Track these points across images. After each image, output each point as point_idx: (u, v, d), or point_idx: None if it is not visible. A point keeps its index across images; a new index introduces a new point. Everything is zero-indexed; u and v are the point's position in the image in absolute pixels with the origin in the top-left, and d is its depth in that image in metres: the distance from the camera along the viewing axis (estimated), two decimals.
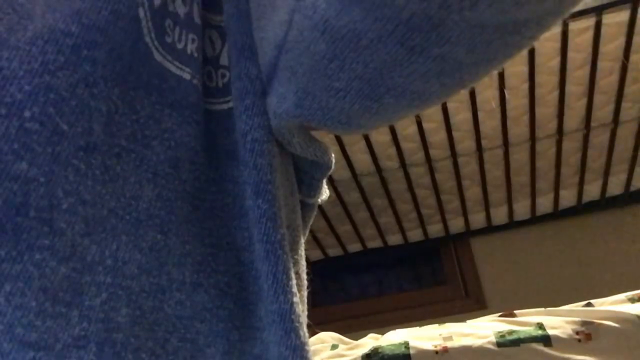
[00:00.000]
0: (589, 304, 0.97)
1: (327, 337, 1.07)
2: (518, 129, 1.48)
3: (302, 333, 0.25)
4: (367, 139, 1.45)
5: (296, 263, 0.28)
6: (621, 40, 1.29)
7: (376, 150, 1.51)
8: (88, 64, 0.22)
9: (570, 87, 1.38)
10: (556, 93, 1.39)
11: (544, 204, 1.77)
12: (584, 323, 0.84)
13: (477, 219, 1.82)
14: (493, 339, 0.85)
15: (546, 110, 1.44)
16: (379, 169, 1.57)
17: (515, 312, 0.96)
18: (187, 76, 0.27)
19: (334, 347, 1.02)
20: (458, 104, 1.39)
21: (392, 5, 0.19)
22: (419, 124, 1.42)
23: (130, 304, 0.23)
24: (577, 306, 0.97)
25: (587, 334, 0.82)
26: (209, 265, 0.26)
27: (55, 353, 0.20)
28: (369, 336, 1.04)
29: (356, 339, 1.04)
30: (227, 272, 0.27)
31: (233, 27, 0.29)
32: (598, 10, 1.22)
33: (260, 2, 0.28)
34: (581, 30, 1.27)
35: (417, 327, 1.00)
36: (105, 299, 0.22)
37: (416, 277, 2.01)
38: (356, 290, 2.03)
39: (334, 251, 1.95)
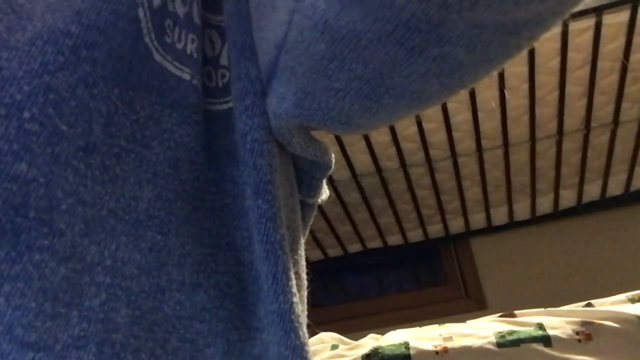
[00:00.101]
0: (589, 304, 0.97)
1: (327, 338, 1.07)
2: (518, 129, 1.48)
3: (301, 333, 0.25)
4: (367, 139, 1.45)
5: (296, 263, 0.28)
6: (621, 41, 1.29)
7: (376, 151, 1.51)
8: (88, 65, 0.22)
9: (570, 88, 1.38)
10: (556, 93, 1.39)
11: (544, 204, 1.77)
12: (584, 323, 0.84)
13: (477, 219, 1.82)
14: (493, 339, 0.85)
15: (546, 111, 1.44)
16: (379, 169, 1.57)
17: (516, 312, 0.96)
18: (186, 76, 0.27)
19: (334, 347, 1.02)
20: (458, 104, 1.39)
21: (392, 5, 0.19)
22: (419, 124, 1.42)
23: (130, 305, 0.23)
24: (577, 306, 0.97)
25: (587, 334, 0.82)
26: (209, 266, 0.26)
27: (55, 353, 0.20)
28: (369, 336, 1.04)
29: (356, 339, 1.04)
30: (227, 272, 0.27)
31: (233, 27, 0.29)
32: (598, 11, 1.22)
33: (260, 2, 0.28)
34: (581, 30, 1.27)
35: (417, 328, 1.00)
36: (105, 300, 0.22)
37: (416, 278, 2.01)
38: (356, 290, 2.03)
39: (334, 251, 1.95)
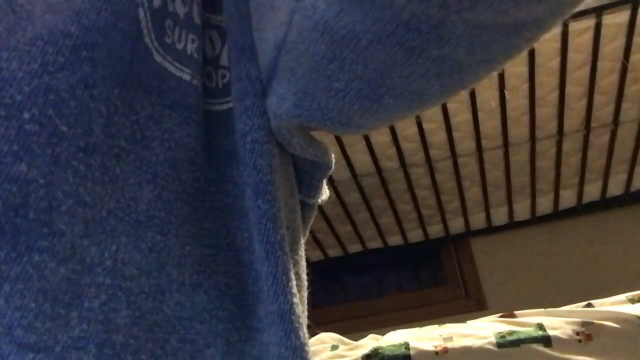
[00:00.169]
0: (589, 305, 0.97)
1: (327, 338, 1.07)
2: (518, 130, 1.48)
3: (302, 334, 0.25)
4: (367, 139, 1.45)
5: (296, 264, 0.28)
6: (621, 41, 1.29)
7: (376, 151, 1.51)
8: (88, 65, 0.22)
9: (570, 88, 1.38)
10: (556, 93, 1.39)
11: (544, 205, 1.77)
12: (584, 323, 0.84)
13: (477, 220, 1.82)
14: (493, 339, 0.85)
15: (546, 111, 1.44)
16: (379, 170, 1.57)
17: (516, 312, 0.96)
18: (186, 77, 0.27)
19: (334, 347, 1.01)
20: (458, 105, 1.39)
21: (392, 6, 0.19)
22: (419, 125, 1.42)
23: (130, 305, 0.23)
24: (578, 307, 0.97)
25: (588, 334, 0.82)
26: (209, 266, 0.26)
27: (55, 355, 0.20)
28: (369, 337, 1.04)
29: (356, 340, 1.04)
30: (227, 272, 0.27)
31: (233, 27, 0.29)
32: (598, 11, 1.22)
33: (260, 3, 0.28)
34: (581, 30, 1.27)
35: (417, 328, 1.00)
36: (105, 300, 0.22)
37: (416, 278, 2.01)
38: (356, 290, 2.03)
39: (334, 252, 1.95)
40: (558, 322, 0.86)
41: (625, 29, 1.26)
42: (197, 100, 0.28)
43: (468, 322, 0.98)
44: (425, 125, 1.44)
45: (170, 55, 0.26)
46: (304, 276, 0.30)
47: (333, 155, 0.33)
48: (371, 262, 2.01)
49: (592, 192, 1.73)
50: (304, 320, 0.27)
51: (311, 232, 1.78)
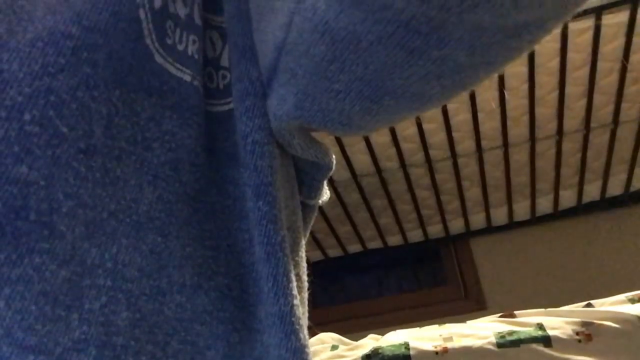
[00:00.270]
0: (589, 305, 0.97)
1: (327, 338, 1.07)
2: (518, 130, 1.48)
3: (302, 335, 0.25)
4: (367, 139, 1.45)
5: (297, 265, 0.28)
6: (621, 41, 1.29)
7: (376, 151, 1.50)
8: (88, 66, 0.22)
9: (570, 88, 1.38)
10: (556, 93, 1.39)
11: (544, 205, 1.77)
12: (584, 324, 0.84)
13: (477, 220, 1.82)
14: (493, 339, 0.85)
15: (546, 111, 1.44)
16: (378, 170, 1.57)
17: (515, 312, 0.96)
18: (187, 78, 0.27)
19: (334, 347, 1.01)
20: (458, 105, 1.39)
21: (392, 7, 0.19)
22: (419, 125, 1.42)
23: (130, 307, 0.22)
24: (577, 307, 0.97)
25: (588, 334, 0.82)
26: (210, 268, 0.26)
27: (55, 357, 0.20)
28: (369, 337, 1.04)
29: (356, 340, 1.04)
30: (228, 274, 0.27)
31: (234, 28, 0.29)
32: (598, 11, 1.22)
33: (260, 4, 0.28)
34: (581, 30, 1.27)
35: (417, 328, 1.00)
36: (105, 302, 0.22)
37: (416, 278, 2.01)
38: (356, 291, 2.03)
39: (334, 252, 1.95)
40: (558, 322, 0.86)
41: (625, 28, 1.26)
42: (198, 102, 0.28)
43: (468, 322, 0.98)
44: (425, 126, 1.44)
45: (171, 57, 0.26)
46: (305, 277, 0.30)
47: (334, 156, 0.33)
48: (371, 262, 2.01)
49: (591, 192, 1.73)
50: (304, 321, 0.27)
51: (311, 232, 1.78)
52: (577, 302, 0.99)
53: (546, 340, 0.82)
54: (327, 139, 1.28)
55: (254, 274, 0.27)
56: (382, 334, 1.01)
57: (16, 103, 0.20)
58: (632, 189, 1.70)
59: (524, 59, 1.28)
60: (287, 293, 0.25)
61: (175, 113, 0.26)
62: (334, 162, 0.33)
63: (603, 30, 1.26)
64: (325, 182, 0.34)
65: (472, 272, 1.84)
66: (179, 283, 0.25)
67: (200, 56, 0.28)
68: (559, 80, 1.35)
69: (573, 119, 1.47)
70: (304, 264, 0.30)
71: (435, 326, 0.99)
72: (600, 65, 1.32)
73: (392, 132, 1.44)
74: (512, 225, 1.83)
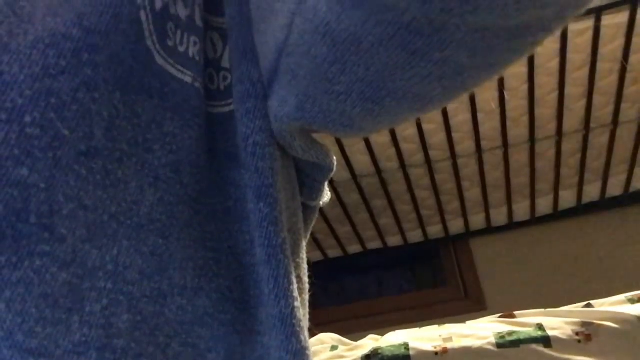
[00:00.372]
0: (588, 305, 0.97)
1: (326, 338, 1.07)
2: (518, 130, 1.48)
3: (303, 337, 0.25)
4: (366, 140, 1.45)
5: (297, 267, 0.28)
6: (620, 41, 1.29)
7: (376, 152, 1.50)
8: (89, 68, 0.22)
9: (569, 88, 1.38)
10: (556, 94, 1.39)
11: (544, 205, 1.77)
12: (584, 324, 0.84)
13: (477, 220, 1.82)
14: (493, 340, 0.85)
15: (546, 112, 1.44)
16: (378, 170, 1.57)
17: (515, 313, 0.96)
18: (188, 79, 0.27)
19: (334, 348, 1.01)
20: (457, 105, 1.39)
21: (394, 9, 0.19)
22: (419, 126, 1.42)
23: (131, 310, 0.22)
24: (577, 307, 0.97)
25: (587, 334, 0.82)
26: (211, 270, 0.26)
27: (56, 359, 0.20)
28: (368, 337, 1.04)
29: (356, 340, 1.03)
30: (229, 276, 0.27)
31: (235, 29, 0.29)
32: (597, 12, 1.22)
33: (261, 6, 0.28)
34: (580, 31, 1.27)
35: (417, 328, 1.00)
36: (106, 305, 0.22)
37: (416, 278, 2.01)
38: (356, 291, 2.03)
39: (334, 252, 1.95)
40: (557, 322, 0.86)
41: (625, 29, 1.26)
42: (198, 103, 0.28)
43: (468, 322, 0.98)
44: (424, 126, 1.43)
45: (172, 58, 0.26)
46: (306, 279, 0.30)
47: (334, 157, 0.33)
48: (371, 262, 2.01)
49: (591, 192, 1.73)
50: (305, 323, 0.27)
51: (311, 232, 1.78)
52: (576, 303, 0.99)
53: (546, 341, 0.82)
54: (327, 140, 1.28)
55: (255, 276, 0.27)
56: (382, 335, 1.01)
57: (17, 105, 0.20)
58: (631, 189, 1.70)
59: (523, 59, 1.28)
60: (288, 295, 0.25)
61: (176, 115, 0.26)
62: (335, 163, 0.33)
63: (603, 31, 1.26)
64: (326, 184, 0.34)
65: (472, 273, 1.84)
66: (180, 285, 0.25)
67: (201, 58, 0.28)
68: (559, 80, 1.35)
69: (573, 119, 1.47)
70: (305, 266, 0.30)
71: (435, 326, 0.99)
72: (599, 65, 1.32)
73: (392, 132, 1.44)
74: (512, 225, 1.83)
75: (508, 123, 1.45)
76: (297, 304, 0.25)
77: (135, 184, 0.24)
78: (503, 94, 1.36)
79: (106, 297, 0.22)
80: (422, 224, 1.82)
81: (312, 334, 0.96)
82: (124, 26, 0.23)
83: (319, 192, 0.33)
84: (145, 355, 0.23)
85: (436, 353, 0.86)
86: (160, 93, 0.25)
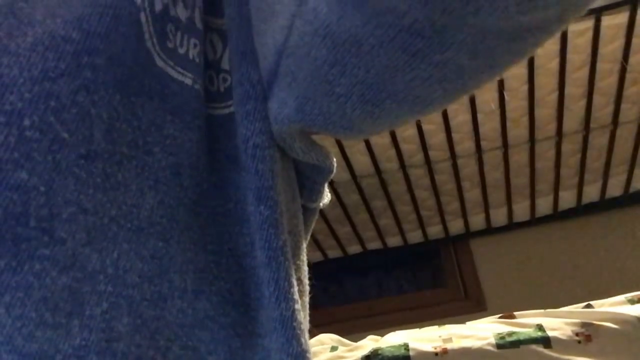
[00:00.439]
0: (588, 306, 0.97)
1: (326, 339, 1.07)
2: (517, 131, 1.48)
3: (303, 340, 0.25)
4: (366, 140, 1.45)
5: (298, 269, 0.28)
6: (620, 42, 1.29)
7: (376, 152, 1.50)
8: (89, 71, 0.22)
9: (569, 89, 1.38)
10: (555, 95, 1.39)
11: (544, 206, 1.77)
12: (584, 324, 0.84)
13: (477, 221, 1.82)
14: (492, 340, 0.85)
15: (545, 112, 1.44)
16: (378, 171, 1.57)
17: (515, 313, 0.96)
18: (188, 81, 0.27)
19: (334, 348, 1.01)
20: (457, 106, 1.39)
21: (394, 11, 0.19)
22: (419, 126, 1.42)
23: (132, 313, 0.22)
24: (577, 307, 0.97)
25: (587, 335, 0.82)
26: (211, 272, 0.26)
27: None
28: (368, 338, 1.04)
29: (356, 341, 1.03)
30: (229, 278, 0.27)
31: (234, 31, 0.29)
32: (597, 12, 1.22)
33: (261, 7, 0.28)
34: (580, 31, 1.27)
35: (417, 329, 1.00)
36: (106, 308, 0.22)
37: (416, 279, 2.01)
38: (356, 291, 2.03)
39: (334, 253, 1.95)
40: (557, 323, 0.86)
41: (625, 30, 1.26)
42: (198, 105, 0.28)
43: (467, 323, 0.98)
44: (424, 127, 1.43)
45: (172, 60, 0.26)
46: (306, 281, 0.30)
47: (334, 159, 0.33)
48: (371, 263, 2.01)
49: (591, 193, 1.73)
50: (305, 326, 0.26)
51: (311, 233, 1.77)
52: (576, 303, 0.99)
53: (546, 341, 0.82)
54: (326, 140, 1.28)
55: (255, 279, 0.27)
56: (382, 335, 1.01)
57: (16, 108, 0.20)
58: (631, 190, 1.70)
59: (523, 60, 1.28)
60: (288, 297, 0.25)
61: (176, 117, 0.26)
62: (335, 164, 0.33)
63: (602, 31, 1.25)
64: (326, 185, 0.34)
65: (472, 273, 1.84)
66: (180, 288, 0.24)
67: (201, 60, 0.28)
68: (559, 81, 1.35)
69: (573, 120, 1.47)
70: (305, 268, 0.30)
71: (435, 327, 0.99)
72: (599, 66, 1.32)
73: (392, 133, 1.44)
74: (512, 226, 1.83)
75: (508, 123, 1.44)
76: (297, 306, 0.25)
77: (135, 186, 0.23)
78: (503, 94, 1.36)
79: (106, 301, 0.22)
80: (422, 225, 1.81)
81: (312, 334, 0.96)
82: (124, 28, 0.23)
83: (318, 194, 0.33)
84: (145, 359, 0.23)
85: (436, 354, 0.86)
86: (160, 95, 0.25)
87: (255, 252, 0.27)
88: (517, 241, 1.83)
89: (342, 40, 0.22)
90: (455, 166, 1.57)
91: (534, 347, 0.82)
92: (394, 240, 1.90)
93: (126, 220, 0.23)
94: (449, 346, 0.87)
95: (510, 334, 0.86)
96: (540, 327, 0.86)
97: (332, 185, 1.59)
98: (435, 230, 1.86)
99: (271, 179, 0.27)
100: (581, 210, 1.77)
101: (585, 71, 1.34)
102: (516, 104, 1.40)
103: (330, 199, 0.36)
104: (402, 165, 1.56)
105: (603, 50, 1.30)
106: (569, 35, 1.25)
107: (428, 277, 2.00)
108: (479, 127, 1.44)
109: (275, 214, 0.26)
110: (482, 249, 1.87)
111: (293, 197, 0.30)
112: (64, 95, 0.21)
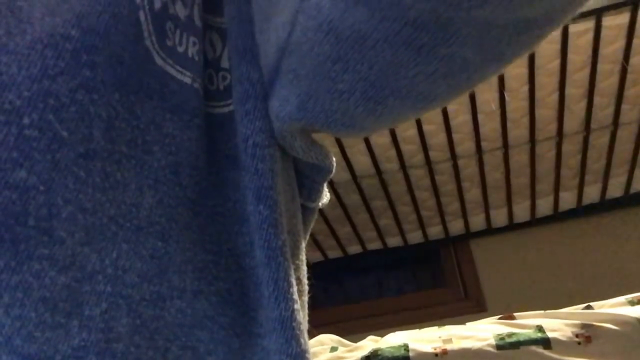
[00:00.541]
0: (588, 307, 0.96)
1: (326, 339, 1.07)
2: (518, 131, 1.48)
3: (302, 340, 0.25)
4: (367, 141, 1.45)
5: (297, 269, 0.28)
6: (621, 43, 1.29)
7: (376, 152, 1.50)
8: (88, 69, 0.22)
9: (570, 90, 1.38)
10: (556, 95, 1.39)
11: (544, 206, 1.77)
12: (584, 325, 0.84)
13: (477, 221, 1.82)
14: (492, 341, 0.85)
15: (546, 113, 1.44)
16: (378, 171, 1.57)
17: (515, 314, 0.96)
18: (187, 80, 0.27)
19: (334, 349, 1.01)
20: (458, 106, 1.39)
21: (399, 4, 0.19)
22: (419, 126, 1.42)
23: (131, 313, 0.22)
24: (577, 309, 0.96)
25: (587, 336, 0.82)
26: (210, 272, 0.26)
27: None
28: (368, 338, 1.04)
29: (356, 341, 1.03)
30: (228, 278, 0.26)
31: (234, 29, 0.29)
32: (598, 13, 1.22)
33: (263, 4, 0.27)
34: (581, 32, 1.27)
35: (417, 330, 1.00)
36: (106, 309, 0.21)
37: (416, 279, 2.01)
38: (356, 292, 2.03)
39: (334, 253, 1.95)
40: (557, 324, 0.86)
41: (625, 30, 1.26)
42: (198, 104, 0.28)
43: (467, 323, 0.98)
44: (425, 127, 1.43)
45: (172, 59, 0.26)
46: (305, 281, 0.30)
47: (334, 158, 0.33)
48: (371, 263, 2.01)
49: (591, 193, 1.73)
50: (304, 326, 0.26)
51: (311, 233, 1.77)
52: (576, 304, 0.99)
53: (545, 342, 0.82)
54: (326, 140, 1.28)
55: (254, 278, 0.27)
56: (382, 336, 1.01)
57: (15, 107, 0.20)
58: (632, 191, 1.70)
59: (524, 60, 1.28)
60: (287, 298, 0.25)
61: (175, 116, 0.26)
62: (334, 164, 0.33)
63: (603, 32, 1.25)
64: (325, 185, 0.34)
65: (472, 274, 1.84)
66: (179, 288, 0.24)
67: (200, 58, 0.28)
68: (559, 81, 1.35)
69: (573, 120, 1.47)
70: (304, 267, 0.30)
71: (435, 328, 0.99)
72: (600, 67, 1.32)
73: (392, 133, 1.44)
74: (512, 226, 1.83)
75: (508, 124, 1.44)
76: (296, 306, 0.25)
77: (134, 185, 0.23)
78: (503, 95, 1.36)
79: (105, 301, 0.21)
80: (422, 225, 1.81)
81: (312, 334, 0.96)
82: (123, 26, 0.23)
83: (318, 194, 0.33)
84: (144, 359, 0.22)
85: (436, 354, 0.86)
86: (160, 94, 0.25)
87: (254, 251, 0.27)
88: (518, 242, 1.83)
89: (346, 36, 0.22)
90: (455, 166, 1.57)
91: (533, 348, 0.82)
92: (394, 241, 1.90)
93: (125, 219, 0.23)
94: (448, 347, 0.87)
95: (510, 334, 0.86)
96: (540, 328, 0.86)
97: (332, 185, 1.59)
98: (435, 231, 1.86)
99: (271, 179, 0.26)
100: (581, 211, 1.77)
101: (586, 72, 1.34)
102: (517, 104, 1.40)
103: (329, 198, 0.36)
104: (403, 166, 1.56)
105: (604, 50, 1.30)
106: (570, 36, 1.25)
107: (428, 278, 2.00)
108: (480, 128, 1.44)
109: (275, 214, 0.26)
110: (482, 250, 1.87)
111: (292, 196, 0.30)
112: (63, 94, 0.21)
